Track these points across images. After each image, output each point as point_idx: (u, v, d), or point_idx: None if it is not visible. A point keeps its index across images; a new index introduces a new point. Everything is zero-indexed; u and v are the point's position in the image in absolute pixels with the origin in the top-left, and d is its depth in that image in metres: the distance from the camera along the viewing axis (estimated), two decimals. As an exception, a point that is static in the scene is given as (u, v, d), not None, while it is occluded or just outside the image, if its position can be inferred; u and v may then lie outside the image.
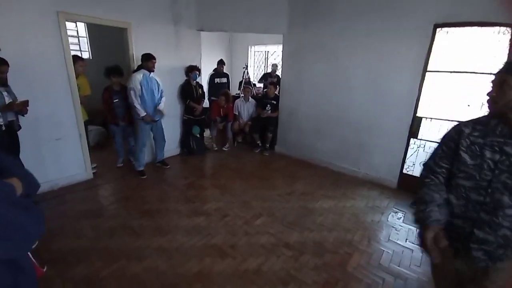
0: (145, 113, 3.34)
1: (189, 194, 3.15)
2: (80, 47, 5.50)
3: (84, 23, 5.14)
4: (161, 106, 3.52)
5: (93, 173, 3.46)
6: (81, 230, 2.39)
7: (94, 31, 5.43)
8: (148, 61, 3.29)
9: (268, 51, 7.25)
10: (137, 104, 3.28)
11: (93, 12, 3.04)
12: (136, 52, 3.54)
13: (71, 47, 3.07)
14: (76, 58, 3.12)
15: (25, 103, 2.43)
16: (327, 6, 3.65)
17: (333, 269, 2.05)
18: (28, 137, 2.72)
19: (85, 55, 5.47)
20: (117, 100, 3.50)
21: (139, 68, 3.37)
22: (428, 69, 3.03)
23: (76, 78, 3.08)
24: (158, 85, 3.48)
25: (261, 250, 2.21)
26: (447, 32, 2.89)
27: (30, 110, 2.49)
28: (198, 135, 4.53)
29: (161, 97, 3.52)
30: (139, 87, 3.26)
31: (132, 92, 3.26)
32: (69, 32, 3.20)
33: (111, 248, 2.18)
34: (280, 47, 4.51)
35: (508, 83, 0.93)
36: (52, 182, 3.03)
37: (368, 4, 3.29)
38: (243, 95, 4.75)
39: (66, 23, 2.90)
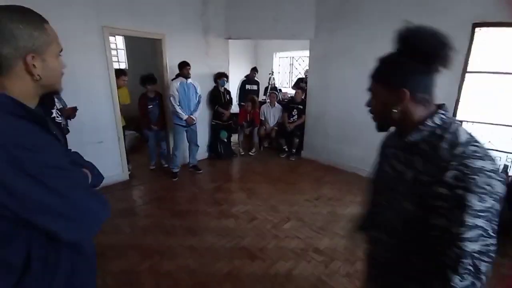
0: (186, 116, 3.55)
1: (217, 197, 3.22)
2: (118, 59, 5.95)
3: (123, 36, 5.56)
4: (196, 114, 3.70)
5: (129, 174, 3.68)
6: (119, 227, 2.54)
7: (131, 43, 5.85)
8: (183, 68, 3.50)
9: (293, 57, 7.29)
10: (178, 108, 3.51)
11: (131, 26, 3.30)
12: (169, 61, 3.75)
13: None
14: (119, 72, 3.41)
15: (75, 109, 2.67)
16: (354, 9, 3.61)
17: (366, 277, 1.97)
18: (74, 139, 2.95)
19: (122, 66, 5.90)
20: (151, 106, 3.72)
21: (177, 76, 3.60)
22: (468, 70, 2.86)
23: (118, 89, 3.35)
24: (196, 90, 3.68)
25: (290, 254, 2.19)
26: (487, 31, 2.72)
27: (76, 116, 2.74)
28: (225, 140, 4.64)
29: (198, 102, 3.73)
30: (177, 93, 3.49)
31: (172, 99, 3.50)
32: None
33: (146, 244, 2.29)
34: (305, 52, 4.51)
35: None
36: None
37: (398, 6, 3.20)
38: (269, 100, 4.81)
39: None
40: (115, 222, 2.61)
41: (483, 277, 0.62)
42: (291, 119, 4.59)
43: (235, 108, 4.89)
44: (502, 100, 2.75)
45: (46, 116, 0.74)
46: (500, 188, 0.59)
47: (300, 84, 5.27)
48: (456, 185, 0.59)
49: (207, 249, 2.25)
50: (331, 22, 3.92)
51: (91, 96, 3.12)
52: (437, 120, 0.68)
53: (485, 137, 2.87)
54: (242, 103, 4.90)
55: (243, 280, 1.93)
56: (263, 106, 4.80)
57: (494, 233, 0.61)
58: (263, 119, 4.75)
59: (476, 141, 0.64)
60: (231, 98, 4.52)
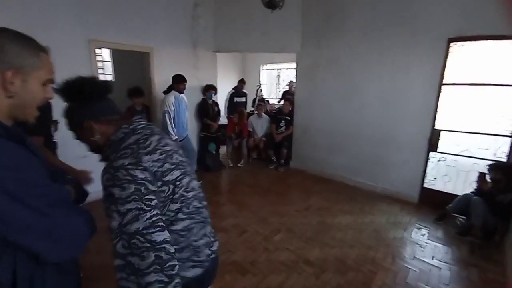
0: (176, 137, 3.42)
1: (206, 210, 3.17)
2: (104, 71, 5.87)
3: (109, 49, 5.52)
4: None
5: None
6: (102, 246, 2.42)
7: (118, 55, 5.80)
8: (180, 83, 3.40)
9: (280, 69, 7.45)
10: (170, 128, 3.34)
11: (118, 39, 3.29)
12: (157, 74, 3.75)
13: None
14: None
15: (55, 122, 2.60)
16: (339, 24, 3.78)
17: None
18: (59, 155, 2.88)
19: (109, 78, 5.83)
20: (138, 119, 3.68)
21: (170, 89, 3.48)
22: (444, 82, 3.03)
23: None
24: (185, 104, 3.61)
25: (281, 267, 2.18)
26: (462, 46, 2.91)
27: (60, 131, 2.66)
28: (214, 152, 4.62)
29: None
30: (173, 109, 3.35)
31: (166, 115, 3.31)
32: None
33: (133, 263, 2.20)
34: (291, 64, 4.64)
35: None
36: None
37: (381, 21, 3.39)
38: (256, 112, 4.86)
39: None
40: (99, 241, 2.50)
41: (165, 245, 0.73)
42: (279, 130, 4.65)
43: (223, 119, 4.90)
44: (478, 110, 2.92)
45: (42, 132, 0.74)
46: (140, 174, 0.74)
47: (286, 96, 5.38)
48: (107, 184, 0.73)
49: (196, 265, 2.19)
50: (316, 35, 4.07)
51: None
52: (118, 133, 0.83)
53: (463, 145, 3.02)
54: (231, 115, 4.93)
55: (234, 296, 1.89)
56: (251, 117, 4.85)
57: (149, 206, 0.73)
58: (251, 130, 4.79)
59: (133, 144, 0.80)
60: (219, 110, 4.55)
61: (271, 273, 2.11)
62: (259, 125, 4.80)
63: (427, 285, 2.00)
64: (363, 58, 3.62)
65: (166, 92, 3.51)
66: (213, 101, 4.44)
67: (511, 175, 2.57)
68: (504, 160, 2.79)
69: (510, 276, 1.12)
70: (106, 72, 5.91)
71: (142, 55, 3.72)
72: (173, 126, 3.38)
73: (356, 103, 3.78)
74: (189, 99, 4.26)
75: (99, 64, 5.68)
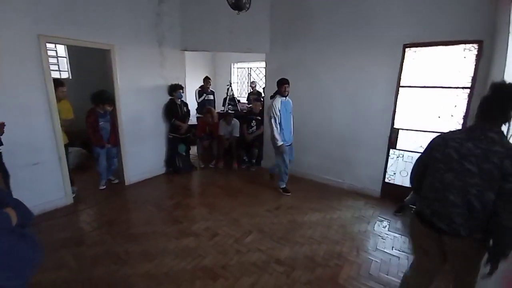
0: (282, 143, 3.39)
1: (176, 215, 3.08)
2: (59, 67, 5.39)
3: (65, 45, 5.09)
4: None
5: (74, 197, 3.31)
6: (61, 260, 2.25)
7: (74, 51, 5.36)
8: (281, 86, 3.37)
9: (250, 68, 7.46)
10: (276, 133, 3.36)
11: (74, 35, 3.03)
12: (119, 74, 3.53)
13: (50, 67, 3.01)
14: (56, 83, 3.05)
15: (1, 125, 2.33)
16: (305, 26, 3.88)
17: (325, 283, 2.06)
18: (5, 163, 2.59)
19: (64, 75, 5.37)
20: (102, 122, 3.45)
21: (275, 94, 3.45)
22: (401, 85, 3.26)
23: (58, 102, 3.02)
24: (291, 107, 3.58)
25: (253, 269, 2.19)
26: (415, 51, 3.15)
27: (6, 134, 2.39)
28: (184, 153, 4.49)
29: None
30: (279, 114, 3.33)
31: (273, 120, 3.32)
32: (48, 52, 3.16)
33: (95, 277, 2.07)
34: (262, 63, 4.65)
35: None
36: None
37: (343, 25, 3.54)
38: (225, 122, 4.63)
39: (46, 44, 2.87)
40: (58, 255, 2.31)
41: None
42: (250, 130, 4.66)
43: (193, 118, 4.78)
44: (430, 110, 3.18)
45: None
46: None
47: (250, 97, 5.39)
48: None
49: (165, 274, 2.12)
50: (284, 37, 4.13)
51: (25, 112, 2.77)
52: None
53: (418, 142, 3.28)
54: (198, 115, 4.82)
55: (205, 303, 1.86)
56: (221, 122, 4.71)
57: None
58: (222, 134, 4.68)
59: None
60: (188, 110, 4.42)
61: (243, 275, 2.11)
62: (228, 132, 4.66)
63: (387, 275, 2.15)
64: (328, 60, 3.76)
65: (272, 96, 3.50)
66: (182, 101, 4.31)
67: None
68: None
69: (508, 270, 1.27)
70: (62, 69, 5.44)
71: (103, 53, 3.48)
72: (279, 131, 3.39)
73: (323, 105, 3.92)
74: (156, 99, 4.11)
75: (52, 60, 5.21)
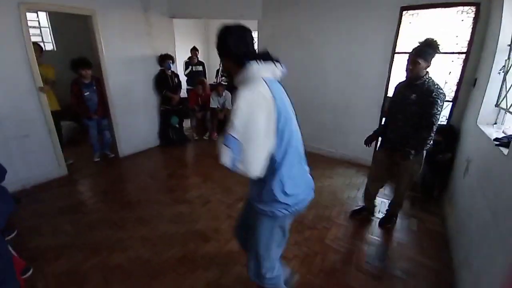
0: None
1: (170, 184, 3.14)
2: (42, 39, 5.14)
3: (46, 12, 4.80)
4: None
5: (69, 169, 3.34)
6: (58, 227, 2.33)
7: (57, 20, 5.08)
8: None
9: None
10: None
11: (53, 0, 2.85)
12: (105, 41, 3.38)
13: (33, 38, 2.87)
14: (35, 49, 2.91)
15: None
16: (299, -10, 3.66)
17: (312, 243, 2.17)
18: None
19: (49, 47, 5.13)
20: (88, 93, 3.36)
21: None
22: (396, 51, 3.16)
23: (39, 66, 2.91)
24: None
25: (243, 231, 2.28)
26: (413, 15, 3.01)
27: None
28: (177, 126, 4.46)
29: None
30: None
31: None
32: (30, 23, 2.99)
33: (92, 241, 2.15)
34: (255, 34, 4.45)
35: (418, 62, 1.90)
36: (23, 181, 2.90)
37: (338, -13, 3.34)
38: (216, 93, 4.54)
39: (27, 13, 2.71)
40: (54, 222, 2.39)
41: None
42: (244, 101, 4.57)
43: (183, 91, 4.68)
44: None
45: None
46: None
47: None
48: None
49: (160, 237, 2.21)
50: (278, 2, 3.91)
51: (8, 83, 2.68)
52: None
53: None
54: (189, 87, 4.71)
55: (198, 262, 1.96)
56: (212, 95, 4.60)
57: None
58: (214, 107, 4.61)
59: None
60: (179, 82, 4.32)
61: (234, 238, 2.19)
62: (220, 103, 4.59)
63: (371, 235, 2.26)
64: (322, 27, 3.60)
65: None
66: (173, 71, 4.18)
67: (449, 137, 2.87)
68: (445, 123, 3.09)
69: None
70: (45, 40, 5.19)
71: (85, 20, 3.30)
72: None
73: (318, 73, 3.83)
74: (146, 69, 3.99)
75: (35, 31, 4.96)
